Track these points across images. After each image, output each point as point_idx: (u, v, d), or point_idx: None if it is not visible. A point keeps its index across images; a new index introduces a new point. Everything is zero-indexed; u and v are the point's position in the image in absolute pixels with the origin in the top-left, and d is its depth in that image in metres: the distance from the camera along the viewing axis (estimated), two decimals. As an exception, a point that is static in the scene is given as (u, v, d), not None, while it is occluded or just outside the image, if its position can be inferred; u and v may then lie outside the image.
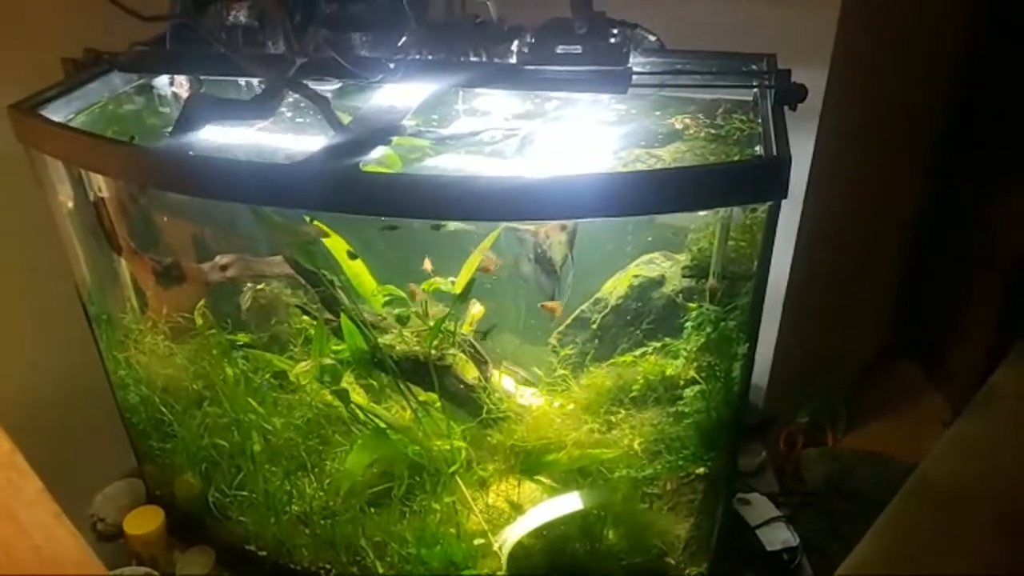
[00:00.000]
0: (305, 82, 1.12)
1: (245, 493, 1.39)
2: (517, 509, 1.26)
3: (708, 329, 1.14)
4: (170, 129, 1.18)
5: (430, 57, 1.18)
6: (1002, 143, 2.01)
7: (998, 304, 2.09)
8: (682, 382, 1.18)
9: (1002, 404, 1.19)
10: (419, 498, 1.29)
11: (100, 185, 1.27)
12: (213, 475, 1.41)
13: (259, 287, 1.42)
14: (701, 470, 1.21)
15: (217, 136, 1.18)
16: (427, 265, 1.27)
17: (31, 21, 1.50)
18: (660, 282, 1.28)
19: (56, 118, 1.19)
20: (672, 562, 1.29)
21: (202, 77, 1.33)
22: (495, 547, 1.24)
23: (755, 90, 1.15)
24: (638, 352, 1.23)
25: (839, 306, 2.19)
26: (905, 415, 2.35)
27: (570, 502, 1.22)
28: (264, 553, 1.42)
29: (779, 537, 1.41)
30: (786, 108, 1.08)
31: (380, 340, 1.28)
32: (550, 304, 1.22)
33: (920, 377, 2.50)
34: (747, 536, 1.41)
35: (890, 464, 1.94)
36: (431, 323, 1.28)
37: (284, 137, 1.24)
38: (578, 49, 1.12)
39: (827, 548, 1.53)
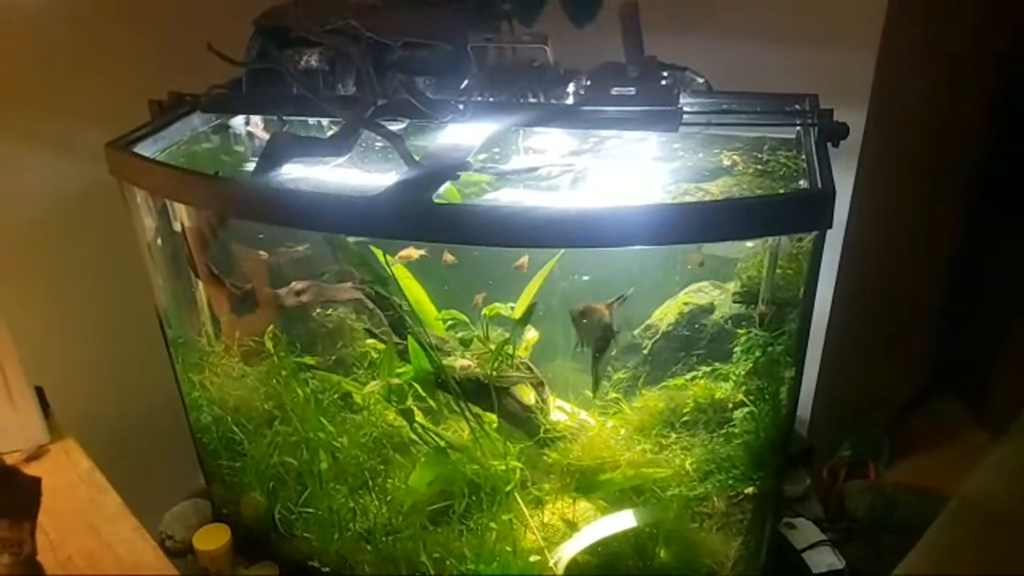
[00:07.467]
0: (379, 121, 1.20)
1: (310, 510, 1.43)
2: (572, 527, 1.30)
3: (757, 353, 1.18)
4: (245, 165, 1.25)
5: (491, 99, 1.25)
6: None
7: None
8: (731, 405, 1.22)
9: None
10: (477, 516, 1.33)
11: (183, 216, 1.36)
12: (280, 493, 1.46)
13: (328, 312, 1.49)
14: (750, 489, 1.25)
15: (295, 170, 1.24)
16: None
17: (120, 65, 1.61)
18: (709, 309, 1.33)
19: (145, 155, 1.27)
20: (721, 581, 1.32)
21: (279, 117, 1.40)
22: (551, 564, 1.28)
23: (798, 128, 1.21)
24: (688, 376, 1.28)
25: (881, 340, 2.20)
26: (949, 450, 2.34)
27: (624, 520, 1.26)
28: (327, 569, 1.46)
29: (825, 560, 1.43)
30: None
31: (443, 362, 1.34)
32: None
33: (963, 412, 2.50)
34: (793, 559, 1.44)
35: (935, 499, 1.94)
36: (492, 346, 1.34)
37: (352, 172, 1.29)
38: (631, 91, 1.18)
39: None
